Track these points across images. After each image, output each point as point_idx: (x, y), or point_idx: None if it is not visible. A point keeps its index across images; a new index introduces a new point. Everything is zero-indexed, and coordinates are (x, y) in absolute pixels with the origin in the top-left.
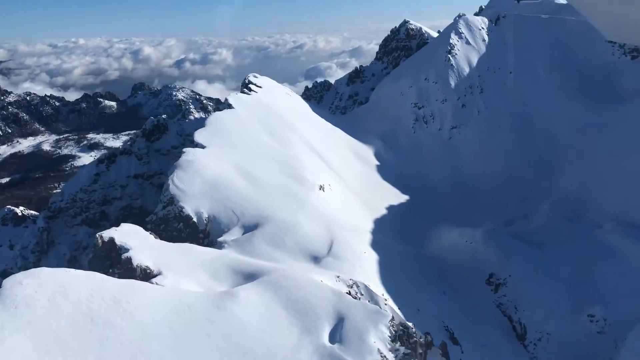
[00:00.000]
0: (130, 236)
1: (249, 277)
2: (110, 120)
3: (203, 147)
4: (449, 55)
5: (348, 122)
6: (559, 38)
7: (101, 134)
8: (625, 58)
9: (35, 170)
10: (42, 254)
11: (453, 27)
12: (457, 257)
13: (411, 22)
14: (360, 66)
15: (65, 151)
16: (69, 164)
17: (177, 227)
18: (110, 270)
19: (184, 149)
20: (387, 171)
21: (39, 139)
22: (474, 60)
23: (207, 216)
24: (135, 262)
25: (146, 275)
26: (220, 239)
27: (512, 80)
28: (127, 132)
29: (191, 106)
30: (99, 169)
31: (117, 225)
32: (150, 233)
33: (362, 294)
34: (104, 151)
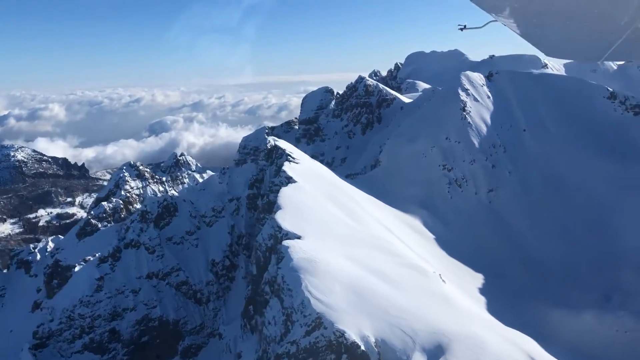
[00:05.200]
0: None
1: None
2: None
3: (298, 236)
4: (464, 113)
5: (369, 188)
6: (557, 93)
7: None
8: (628, 114)
9: None
10: None
11: (458, 84)
12: (609, 349)
13: (367, 78)
14: (318, 124)
15: None
16: None
17: None
18: None
19: (285, 243)
20: (445, 245)
21: None
22: (487, 117)
23: (374, 340)
24: None
25: None
26: None
27: (529, 138)
28: None
29: (126, 174)
30: (101, 270)
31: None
32: None
33: None
34: None
